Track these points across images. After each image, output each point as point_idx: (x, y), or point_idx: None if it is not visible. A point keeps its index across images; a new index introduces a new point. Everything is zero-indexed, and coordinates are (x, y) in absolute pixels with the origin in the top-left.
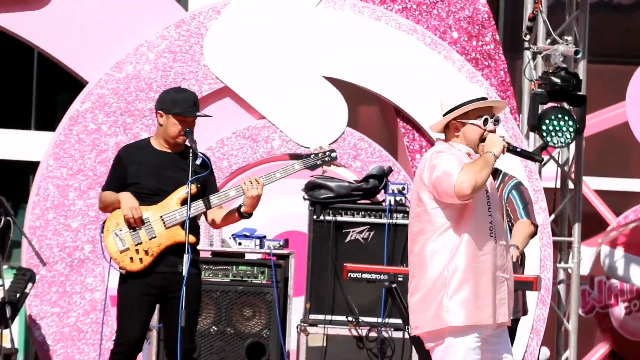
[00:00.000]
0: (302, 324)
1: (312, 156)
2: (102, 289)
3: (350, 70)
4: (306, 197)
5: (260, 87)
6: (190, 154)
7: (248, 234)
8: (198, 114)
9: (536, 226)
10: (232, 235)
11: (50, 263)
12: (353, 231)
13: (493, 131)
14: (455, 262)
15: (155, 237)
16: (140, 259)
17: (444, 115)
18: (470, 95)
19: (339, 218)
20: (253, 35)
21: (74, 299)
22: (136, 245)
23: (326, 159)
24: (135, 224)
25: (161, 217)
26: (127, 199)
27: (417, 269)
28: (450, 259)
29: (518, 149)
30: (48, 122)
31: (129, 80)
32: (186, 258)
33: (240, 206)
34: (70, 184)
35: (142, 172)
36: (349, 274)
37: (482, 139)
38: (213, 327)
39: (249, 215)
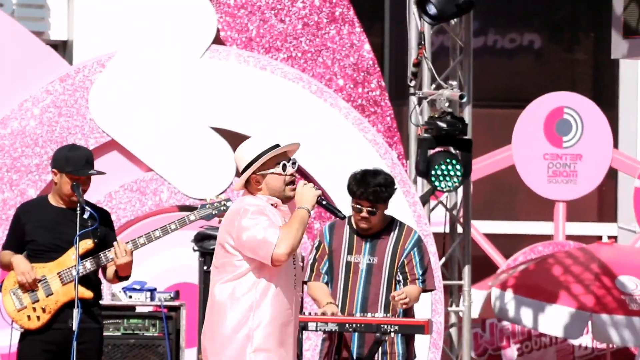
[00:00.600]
0: None
1: (207, 206)
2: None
3: (236, 120)
4: (196, 248)
5: (147, 139)
6: (78, 209)
7: (138, 286)
8: (91, 172)
9: (431, 290)
10: (123, 288)
11: None
12: None
13: (293, 175)
14: (260, 314)
15: (52, 294)
16: (38, 317)
17: (242, 172)
18: (263, 146)
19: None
20: (138, 87)
21: None
22: (33, 303)
23: (222, 207)
24: (30, 288)
25: (58, 273)
26: (19, 262)
27: (216, 314)
28: (254, 310)
29: (324, 202)
30: None
31: (15, 136)
32: (76, 313)
33: (116, 270)
34: None
35: (38, 229)
36: None
37: (287, 183)
38: None
39: (126, 277)
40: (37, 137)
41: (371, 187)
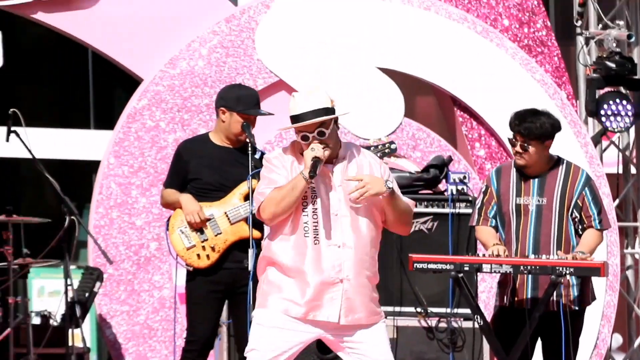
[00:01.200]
0: None
1: (371, 148)
2: (170, 286)
3: (403, 61)
4: None
5: (315, 80)
6: (249, 149)
7: None
8: (261, 112)
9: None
10: None
11: (117, 261)
12: (417, 222)
13: (321, 142)
14: (272, 266)
15: (220, 233)
16: (207, 256)
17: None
18: (293, 111)
19: None
20: (304, 28)
21: (142, 297)
22: (202, 242)
23: (386, 150)
24: (198, 227)
25: (225, 213)
26: (188, 203)
27: None
28: (267, 262)
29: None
30: (106, 120)
31: (184, 76)
32: (251, 253)
33: None
34: (132, 182)
35: (203, 168)
36: (415, 264)
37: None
38: None
39: None
40: (205, 77)
41: (526, 122)
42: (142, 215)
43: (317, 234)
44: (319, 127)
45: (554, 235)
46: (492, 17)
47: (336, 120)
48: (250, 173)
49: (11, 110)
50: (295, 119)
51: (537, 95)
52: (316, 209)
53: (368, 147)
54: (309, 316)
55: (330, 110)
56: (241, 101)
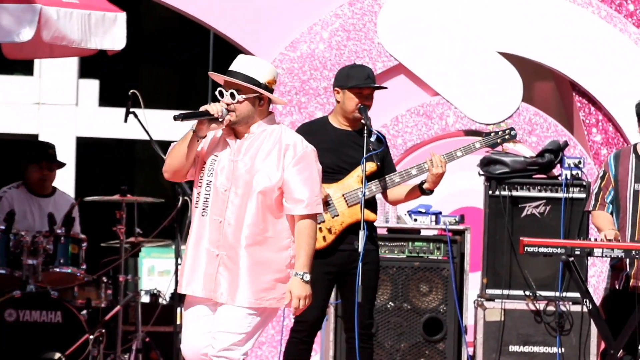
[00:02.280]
0: (479, 299)
1: (492, 134)
2: None
3: (524, 46)
4: (481, 172)
5: (434, 64)
6: (365, 131)
7: (424, 210)
8: (374, 85)
9: None
10: (408, 211)
11: None
12: (529, 206)
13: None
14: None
15: (337, 215)
16: (324, 237)
17: None
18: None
19: (514, 193)
20: (426, 11)
21: None
22: (319, 223)
23: (506, 137)
24: None
25: (343, 195)
26: None
27: None
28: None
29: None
30: None
31: (304, 59)
32: (362, 234)
33: (422, 182)
34: None
35: (322, 150)
36: (526, 248)
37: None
38: (390, 303)
39: (430, 192)
40: (325, 61)
41: None
42: None
43: (206, 207)
44: (234, 89)
45: None
46: (617, 2)
47: (262, 99)
48: (364, 155)
49: (131, 91)
50: (227, 73)
51: None
52: (210, 181)
53: (488, 133)
54: (188, 290)
55: (259, 85)
56: (351, 77)
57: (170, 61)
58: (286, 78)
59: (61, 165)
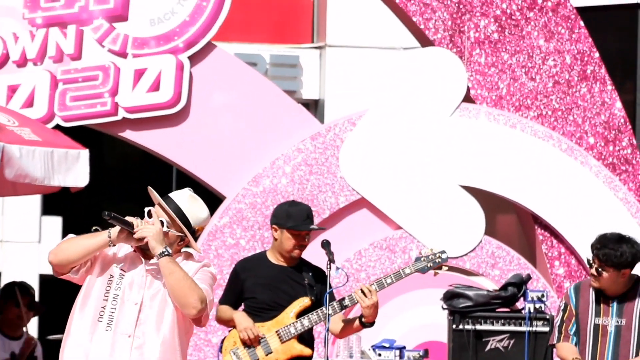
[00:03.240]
0: None
1: (422, 259)
2: None
3: (485, 179)
4: (445, 306)
5: (396, 198)
6: (329, 265)
7: (387, 344)
8: (312, 227)
9: None
10: (372, 346)
11: None
12: (493, 340)
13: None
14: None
15: (271, 352)
16: None
17: None
18: (172, 193)
19: (478, 327)
20: (388, 145)
21: None
22: None
23: (437, 260)
24: (251, 344)
25: (277, 332)
26: (241, 319)
27: None
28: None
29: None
30: None
31: (266, 194)
32: None
33: (361, 316)
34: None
35: (258, 287)
36: None
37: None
38: None
39: (371, 324)
40: (288, 195)
41: (607, 248)
42: (219, 333)
43: (112, 321)
44: (166, 220)
45: (632, 355)
46: (577, 135)
47: (184, 240)
48: (328, 289)
49: (93, 228)
50: (166, 199)
51: (619, 213)
52: (117, 295)
53: (419, 258)
54: None
55: (189, 227)
56: (291, 217)
57: (132, 196)
58: (249, 213)
59: (40, 309)
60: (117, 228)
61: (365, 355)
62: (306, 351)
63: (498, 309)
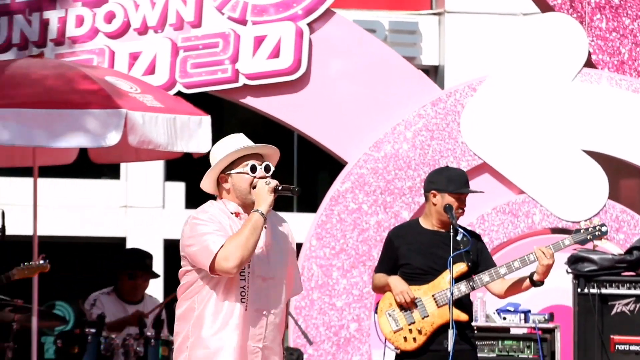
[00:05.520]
0: None
1: (582, 231)
2: None
3: (608, 143)
4: (569, 270)
5: (519, 162)
6: (452, 231)
7: (512, 308)
8: (472, 190)
9: None
10: (497, 310)
11: (317, 342)
12: (619, 303)
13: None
14: (197, 327)
15: (427, 316)
16: (414, 339)
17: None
18: (233, 146)
19: (603, 291)
20: (509, 110)
21: None
22: (409, 324)
23: (597, 233)
24: (407, 307)
25: (433, 296)
26: (396, 283)
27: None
28: (194, 322)
29: (280, 188)
30: (309, 203)
31: (388, 159)
32: (451, 333)
33: (532, 274)
34: (334, 264)
35: (412, 253)
36: (617, 346)
37: (253, 187)
38: None
39: (541, 283)
40: (409, 160)
41: None
42: (343, 297)
43: (247, 298)
44: (266, 162)
45: None
46: None
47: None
48: (451, 255)
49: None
50: (247, 148)
51: None
52: (250, 271)
53: (578, 230)
54: None
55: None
56: (452, 181)
57: None
58: (371, 178)
59: (155, 276)
60: (268, 206)
61: (490, 318)
62: (462, 316)
63: (623, 272)
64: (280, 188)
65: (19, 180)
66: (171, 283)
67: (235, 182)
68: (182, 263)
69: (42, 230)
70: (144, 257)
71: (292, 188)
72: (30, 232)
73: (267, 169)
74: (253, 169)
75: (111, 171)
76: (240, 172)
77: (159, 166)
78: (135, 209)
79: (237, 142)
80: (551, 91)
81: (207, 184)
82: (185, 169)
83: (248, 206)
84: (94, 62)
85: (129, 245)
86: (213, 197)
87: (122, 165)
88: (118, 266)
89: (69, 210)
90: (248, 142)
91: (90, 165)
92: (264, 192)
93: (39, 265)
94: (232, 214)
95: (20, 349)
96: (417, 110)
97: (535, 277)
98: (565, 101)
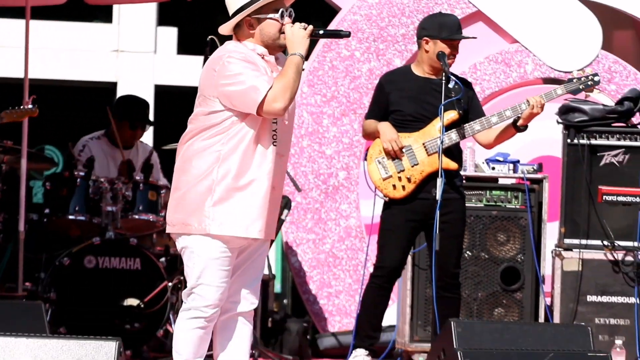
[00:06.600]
0: (557, 249)
1: (574, 80)
2: (357, 215)
3: None
4: (560, 120)
5: (513, 11)
6: (443, 78)
7: (501, 158)
8: (465, 36)
9: None
10: (486, 160)
11: (305, 190)
12: (608, 154)
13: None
14: (226, 166)
15: (417, 164)
16: (403, 186)
17: (235, 13)
18: None
19: (593, 141)
20: None
21: (329, 226)
22: (399, 172)
23: (589, 82)
24: (395, 155)
25: (423, 144)
26: (386, 129)
27: (179, 170)
28: (220, 162)
29: (322, 32)
30: None
31: (382, 6)
32: (439, 182)
33: (515, 120)
34: (324, 111)
35: (404, 99)
36: (604, 197)
37: (281, 33)
38: (467, 252)
39: (524, 128)
40: (404, 7)
41: None
42: (332, 145)
43: (277, 141)
44: (291, 7)
45: None
46: None
47: None
48: (442, 102)
49: (209, 37)
50: None
51: None
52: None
53: (571, 80)
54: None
55: None
56: (444, 27)
57: None
58: (364, 25)
59: (151, 124)
60: (305, 49)
61: (479, 168)
62: (452, 165)
63: (614, 123)
64: (320, 32)
65: (9, 21)
66: (161, 128)
67: (264, 27)
68: (202, 103)
69: (32, 73)
70: (145, 107)
71: (339, 32)
72: (20, 75)
73: (291, 15)
74: (282, 15)
75: (103, 14)
76: (272, 18)
77: (151, 10)
78: (126, 54)
79: None
80: None
81: (229, 26)
82: (178, 13)
83: (273, 49)
84: None
85: (120, 90)
86: (206, 42)
87: (115, 9)
88: (118, 113)
89: (60, 53)
90: None
91: (83, 8)
92: (300, 37)
93: (28, 110)
94: (259, 55)
95: (9, 191)
96: None
97: (520, 122)
98: None
